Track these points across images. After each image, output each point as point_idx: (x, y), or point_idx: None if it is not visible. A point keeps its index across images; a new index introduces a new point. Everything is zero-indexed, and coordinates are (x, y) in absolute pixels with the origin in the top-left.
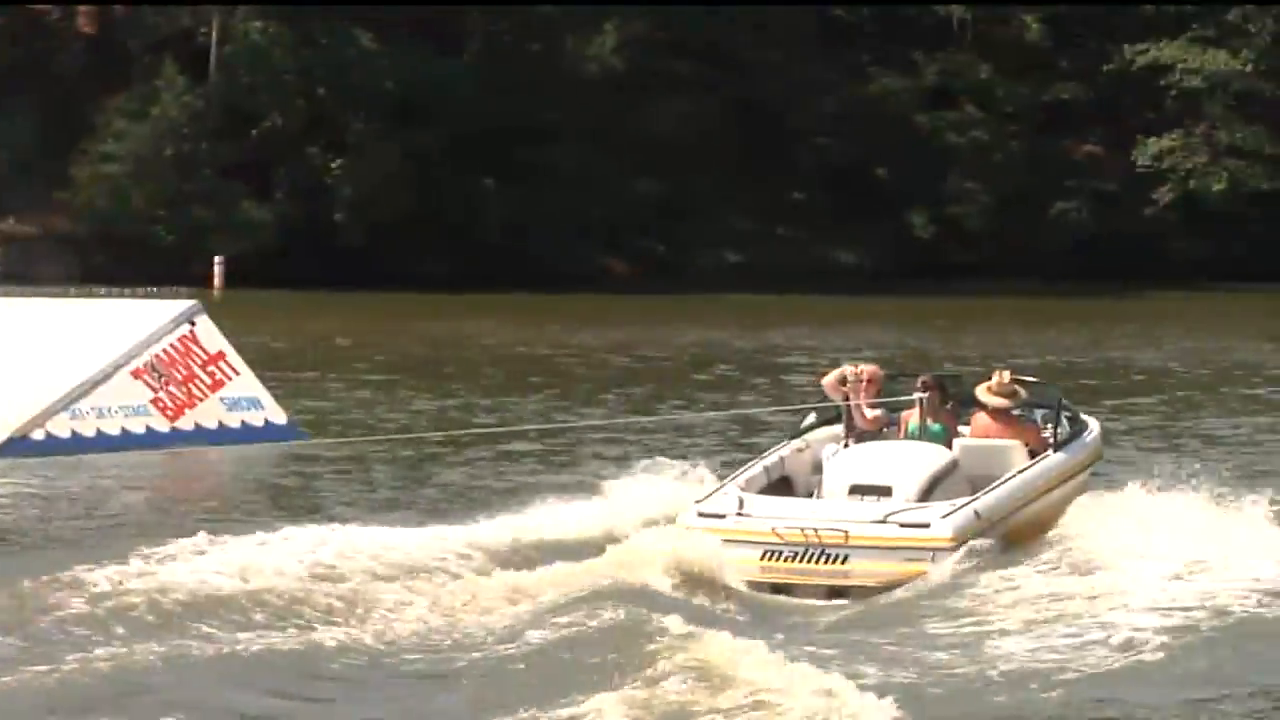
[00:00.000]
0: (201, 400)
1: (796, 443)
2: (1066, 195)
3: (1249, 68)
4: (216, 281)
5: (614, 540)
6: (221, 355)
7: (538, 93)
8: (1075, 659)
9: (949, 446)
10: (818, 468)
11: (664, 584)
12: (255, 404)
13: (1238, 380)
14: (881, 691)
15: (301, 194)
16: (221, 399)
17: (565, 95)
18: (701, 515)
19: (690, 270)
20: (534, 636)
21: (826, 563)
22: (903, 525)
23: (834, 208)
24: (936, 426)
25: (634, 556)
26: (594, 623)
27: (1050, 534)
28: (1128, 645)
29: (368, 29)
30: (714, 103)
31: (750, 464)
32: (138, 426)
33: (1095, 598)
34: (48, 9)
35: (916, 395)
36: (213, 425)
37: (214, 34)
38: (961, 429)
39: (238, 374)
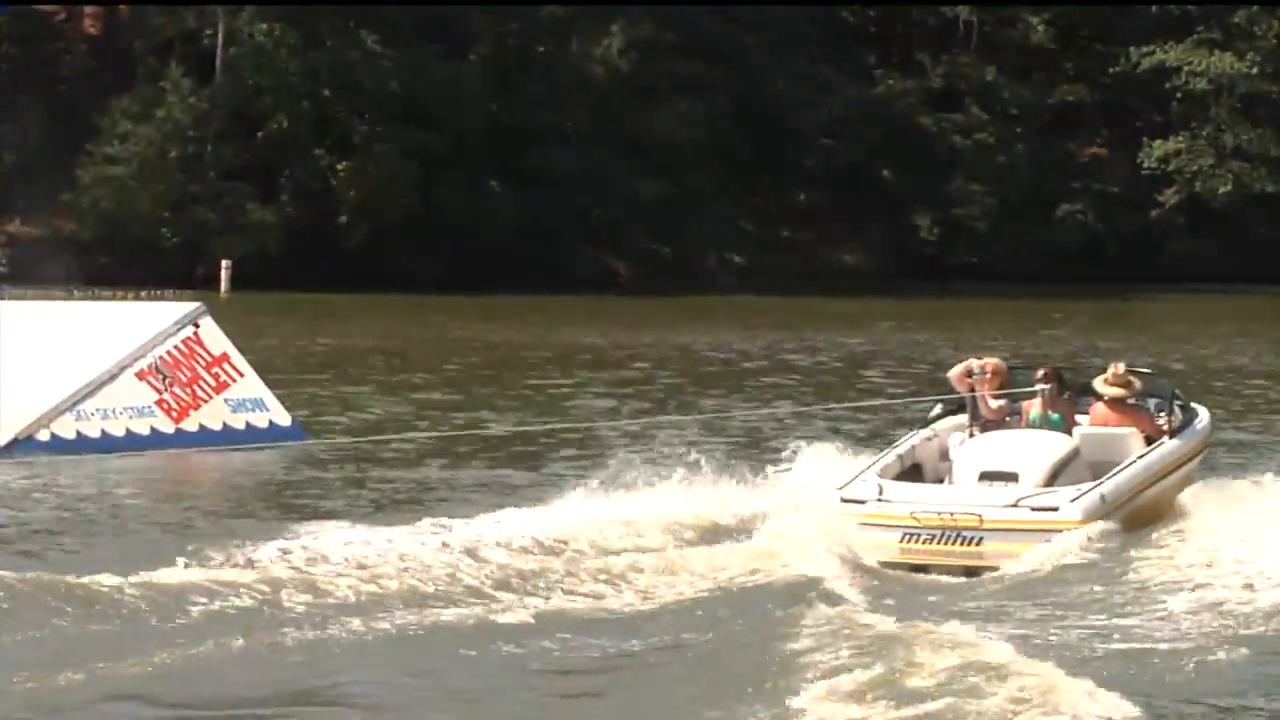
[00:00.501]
0: (206, 402)
1: (925, 432)
2: (1072, 197)
3: (1255, 70)
4: (222, 284)
5: (759, 524)
6: (226, 357)
7: (543, 94)
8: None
9: (1069, 435)
10: (945, 455)
11: (821, 564)
12: (260, 405)
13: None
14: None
15: (306, 196)
16: (226, 400)
17: (571, 97)
18: (844, 500)
19: (695, 272)
20: (723, 614)
21: (962, 544)
22: (1034, 509)
23: (839, 209)
24: (1056, 416)
25: (786, 538)
26: (775, 607)
27: (1168, 517)
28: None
29: (373, 31)
30: (720, 104)
31: (885, 452)
32: (142, 428)
33: (1223, 576)
34: (54, 10)
35: (1038, 387)
36: (217, 427)
37: (219, 35)
38: (1079, 418)
39: (242, 376)
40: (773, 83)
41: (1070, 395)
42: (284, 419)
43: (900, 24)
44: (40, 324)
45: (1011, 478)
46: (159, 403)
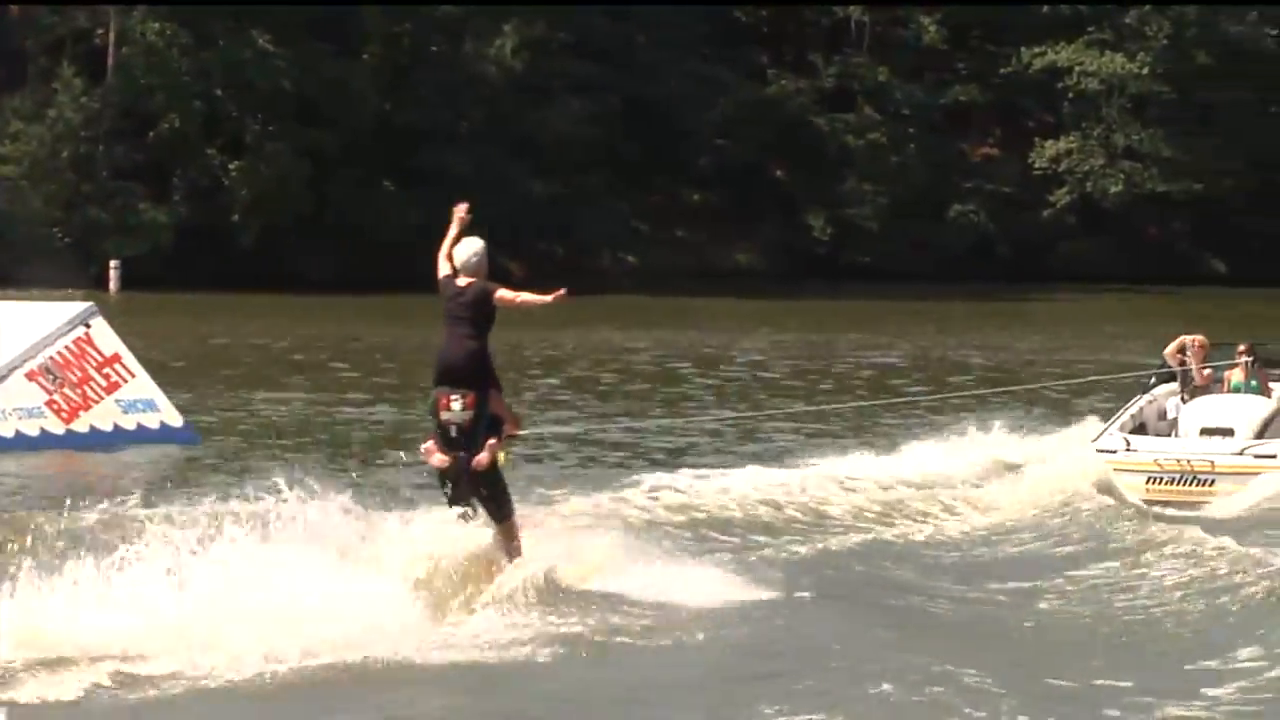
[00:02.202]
0: (97, 402)
1: (1147, 397)
2: (963, 197)
3: (1145, 71)
4: (113, 284)
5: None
6: (117, 357)
7: (436, 94)
8: None
9: (1268, 398)
10: (1163, 416)
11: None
12: (151, 406)
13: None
14: None
15: (199, 195)
16: (117, 401)
17: (464, 96)
18: (1100, 451)
19: (588, 272)
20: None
21: (1198, 486)
22: (1257, 456)
23: (731, 209)
24: (1254, 383)
25: (1055, 481)
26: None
27: None
28: None
29: (265, 30)
30: (612, 104)
31: (1120, 414)
32: (32, 429)
33: None
34: None
35: (1241, 359)
36: (108, 428)
37: (111, 35)
38: (1271, 385)
39: (133, 376)
40: (665, 82)
41: (1261, 365)
42: (175, 419)
43: (793, 24)
44: None
45: (1229, 432)
46: (49, 403)
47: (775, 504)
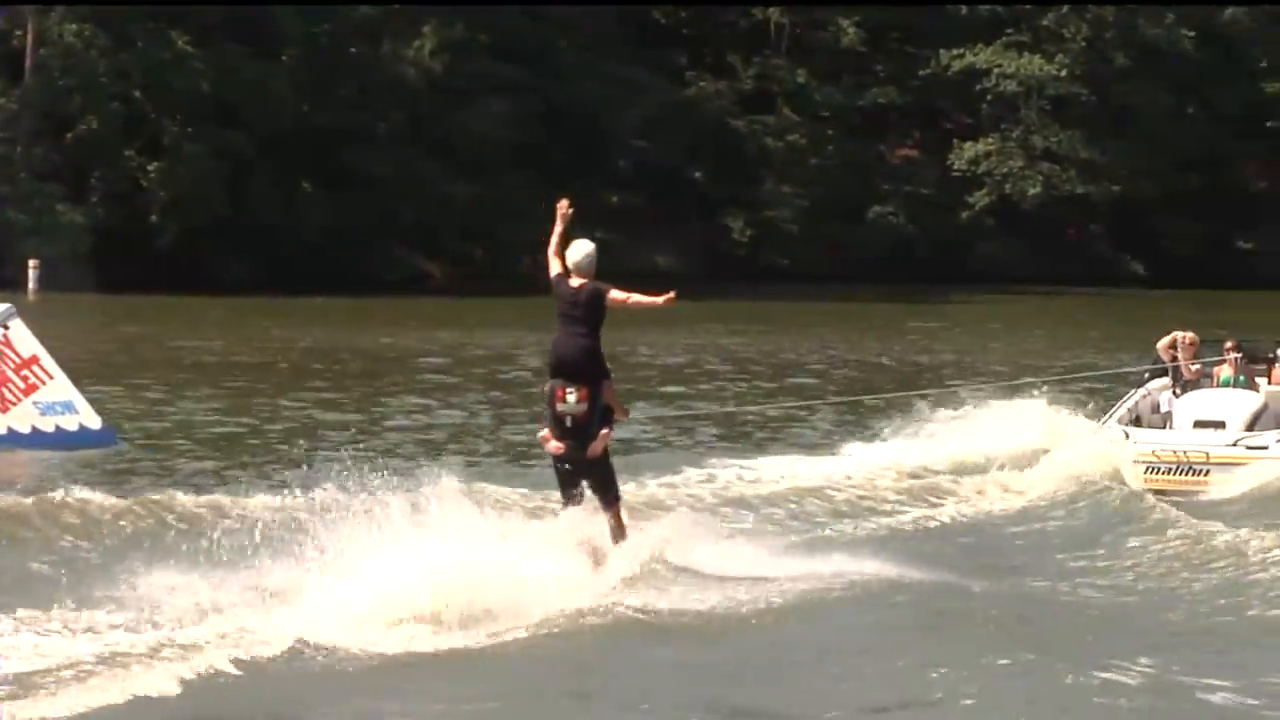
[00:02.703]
0: (15, 404)
1: (1141, 391)
2: (883, 199)
3: (1064, 73)
4: (30, 285)
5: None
6: (35, 359)
7: (355, 96)
8: None
9: (1255, 392)
10: (1156, 409)
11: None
12: (69, 408)
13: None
14: None
15: (117, 197)
16: (35, 403)
17: (383, 98)
18: (1107, 440)
19: (508, 274)
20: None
21: (1193, 475)
22: (1248, 447)
23: (651, 211)
24: (1241, 378)
25: (1070, 467)
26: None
27: None
28: None
29: (184, 31)
30: (531, 106)
31: (1117, 407)
32: None
33: None
34: None
35: (1229, 355)
36: (26, 430)
37: (29, 36)
38: (1258, 380)
39: (52, 378)
40: (584, 84)
41: (1247, 361)
42: (94, 421)
43: (711, 26)
44: None
45: (1220, 425)
46: None
47: (821, 490)
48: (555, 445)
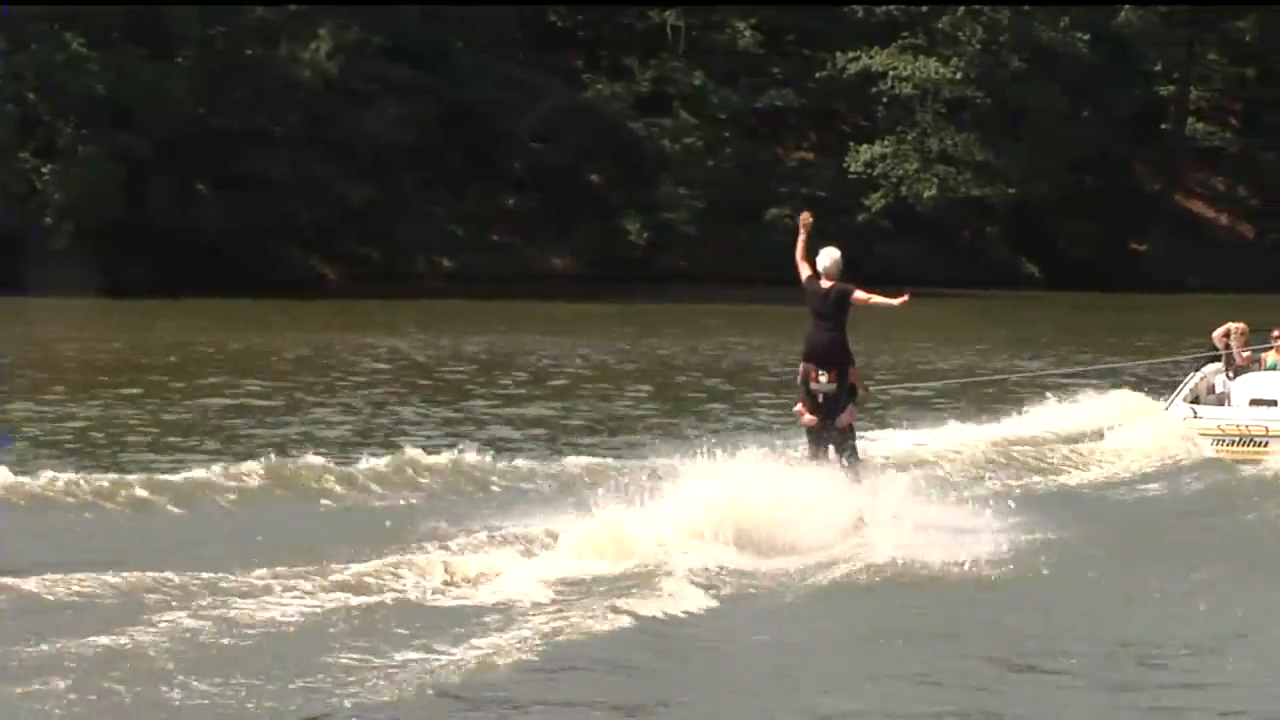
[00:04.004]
0: None
1: (1197, 375)
2: (779, 201)
3: (959, 75)
4: None
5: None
6: None
7: (251, 97)
8: None
9: None
10: (1211, 390)
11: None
12: None
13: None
14: None
15: (11, 199)
16: None
17: (279, 100)
18: (1178, 417)
19: (404, 276)
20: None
21: (1254, 446)
22: None
23: (548, 213)
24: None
25: (1153, 440)
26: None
27: None
28: None
29: (79, 33)
30: (428, 108)
31: (1179, 389)
32: None
33: None
34: None
35: (1276, 342)
36: None
37: None
38: None
39: None
40: (481, 86)
41: None
42: None
43: (608, 28)
44: None
45: (1273, 403)
46: None
47: (993, 458)
48: (809, 418)
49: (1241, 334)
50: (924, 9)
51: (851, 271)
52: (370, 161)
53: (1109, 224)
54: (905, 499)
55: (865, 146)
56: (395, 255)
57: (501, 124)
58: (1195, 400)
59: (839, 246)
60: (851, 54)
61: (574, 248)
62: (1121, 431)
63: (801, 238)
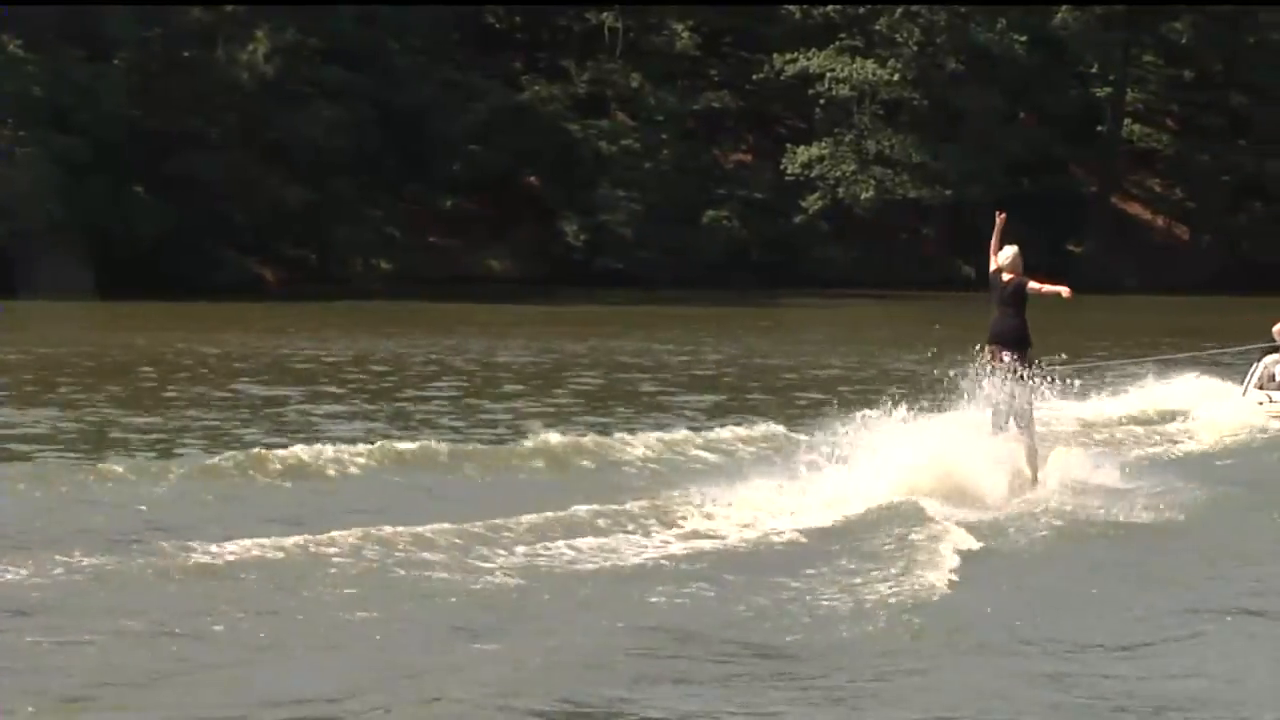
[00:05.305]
0: None
1: (1260, 365)
2: (717, 204)
3: (896, 77)
4: None
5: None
6: None
7: (188, 99)
8: None
9: None
10: (1272, 378)
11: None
12: None
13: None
14: None
15: None
16: None
17: (216, 102)
18: (1257, 402)
19: (342, 278)
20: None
21: None
22: None
23: (486, 215)
24: None
25: (1232, 422)
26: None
27: None
28: None
29: (14, 34)
30: (365, 110)
31: (1248, 376)
32: None
33: None
34: None
35: None
36: None
37: None
38: None
39: None
40: (418, 88)
41: None
42: None
43: (546, 30)
44: None
45: None
46: None
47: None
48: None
49: None
50: (861, 11)
51: (788, 272)
52: (307, 164)
53: (1046, 226)
54: (1076, 466)
55: (802, 148)
56: (333, 258)
57: (439, 126)
58: (1261, 387)
59: (770, 248)
60: (789, 56)
61: (512, 250)
62: (1207, 411)
63: (995, 236)
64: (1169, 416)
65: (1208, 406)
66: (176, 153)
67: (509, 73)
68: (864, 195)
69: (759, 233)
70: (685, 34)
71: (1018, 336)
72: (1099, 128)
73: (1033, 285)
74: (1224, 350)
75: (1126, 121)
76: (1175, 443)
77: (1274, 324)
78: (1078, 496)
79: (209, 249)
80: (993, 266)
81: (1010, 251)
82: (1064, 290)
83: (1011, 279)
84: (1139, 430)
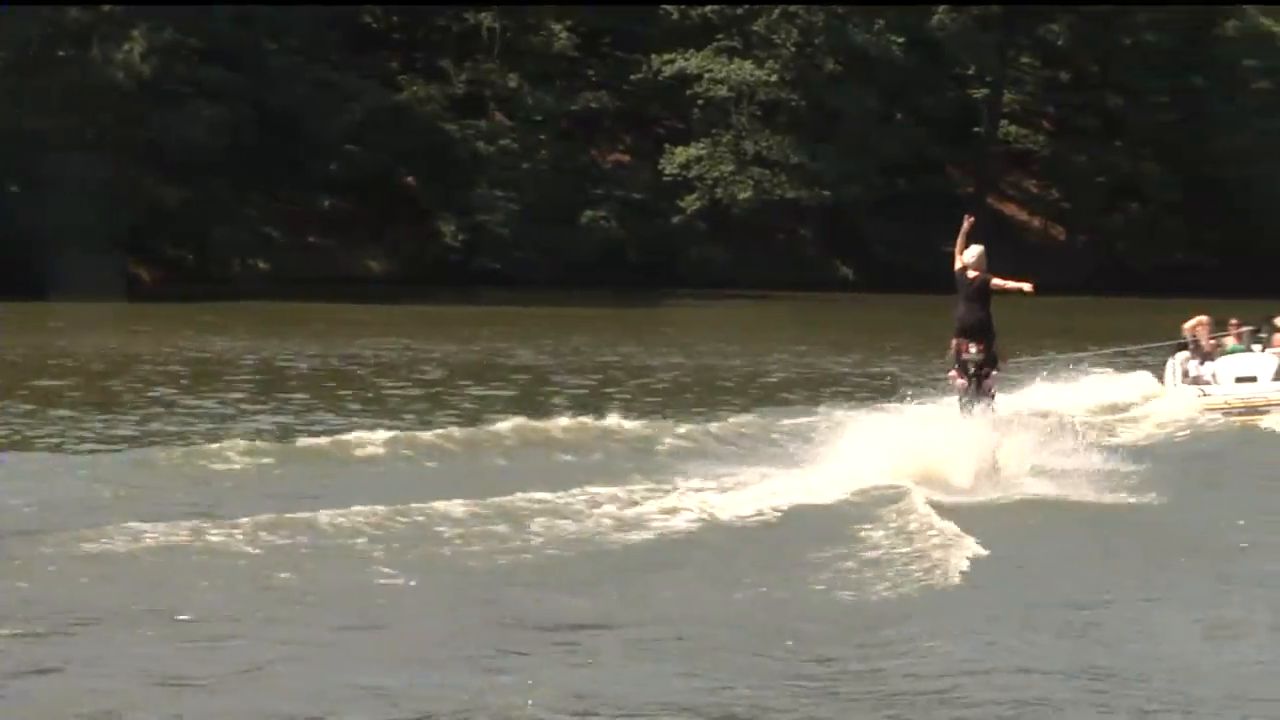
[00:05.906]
0: None
1: (1175, 360)
2: (595, 204)
3: (774, 78)
4: None
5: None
6: None
7: (64, 99)
8: None
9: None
10: (1185, 374)
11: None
12: None
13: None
14: None
15: None
16: None
17: (92, 101)
18: (1195, 394)
19: (219, 278)
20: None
21: (1255, 415)
22: None
23: (363, 215)
24: (1241, 346)
25: (1173, 412)
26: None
27: None
28: None
29: None
30: (242, 110)
31: (1168, 373)
32: None
33: None
34: None
35: (1234, 331)
36: None
37: None
38: (1254, 347)
39: None
40: (294, 89)
41: (1250, 334)
42: None
43: (423, 30)
44: None
45: (1253, 379)
46: None
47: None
48: (961, 382)
49: (1205, 325)
50: (739, 11)
51: (666, 272)
52: (183, 163)
53: (922, 226)
54: (1035, 448)
55: (680, 149)
56: (209, 257)
57: (315, 126)
58: (1184, 382)
59: (648, 248)
60: (667, 56)
61: (389, 250)
62: (1149, 405)
63: (961, 236)
64: (1110, 410)
65: (1146, 403)
66: (52, 152)
67: (386, 73)
68: (742, 195)
69: (636, 233)
70: (563, 34)
71: (983, 328)
72: (975, 129)
73: (996, 281)
74: (1124, 350)
75: (1003, 122)
76: (1127, 430)
77: (1186, 322)
78: (1037, 480)
79: (84, 249)
80: (958, 265)
81: (976, 250)
82: (1026, 286)
83: (977, 276)
84: (1092, 420)
